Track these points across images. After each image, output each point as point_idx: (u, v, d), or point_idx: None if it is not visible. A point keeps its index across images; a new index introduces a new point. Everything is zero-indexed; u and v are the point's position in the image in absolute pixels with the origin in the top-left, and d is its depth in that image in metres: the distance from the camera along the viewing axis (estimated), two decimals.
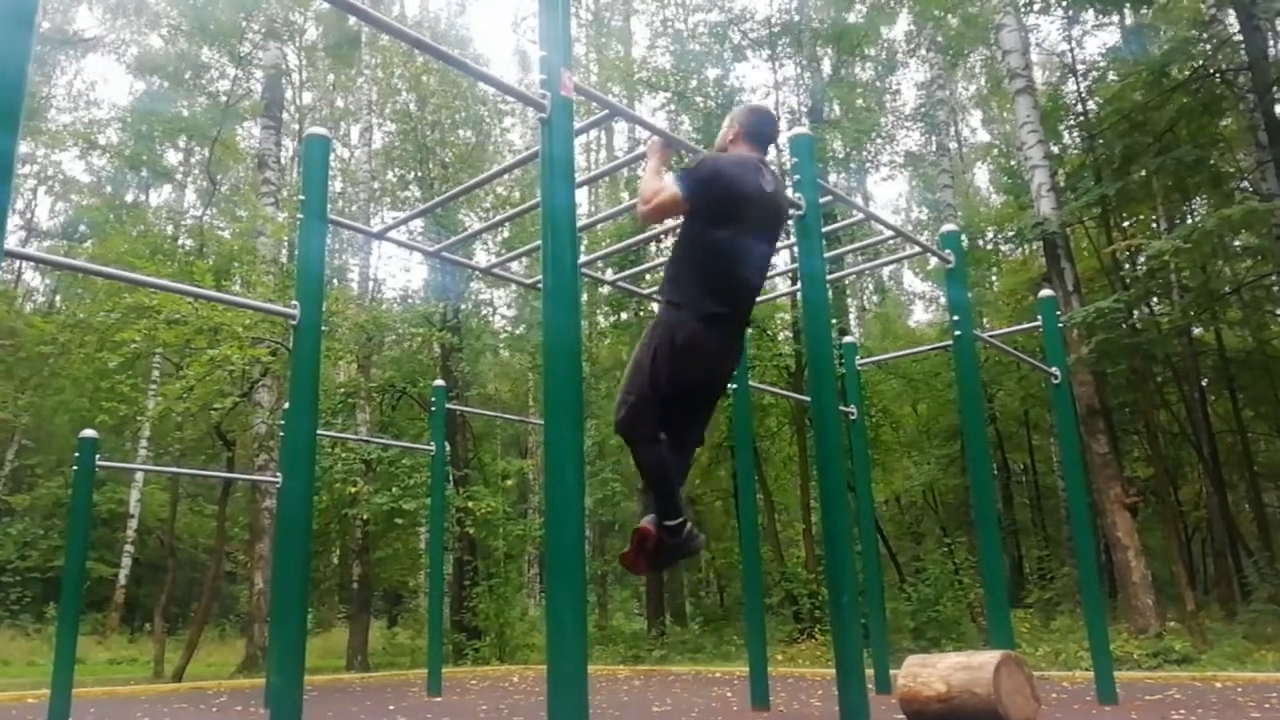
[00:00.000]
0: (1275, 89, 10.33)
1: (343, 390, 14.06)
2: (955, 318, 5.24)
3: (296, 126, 20.58)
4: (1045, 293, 6.69)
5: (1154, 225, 14.78)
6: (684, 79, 15.24)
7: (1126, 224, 14.34)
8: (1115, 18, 14.28)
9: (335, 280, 17.73)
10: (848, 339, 8.05)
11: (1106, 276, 13.30)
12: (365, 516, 12.45)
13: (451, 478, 13.03)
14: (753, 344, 12.58)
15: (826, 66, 17.05)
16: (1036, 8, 13.27)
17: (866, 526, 7.75)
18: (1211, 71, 11.27)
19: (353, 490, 12.03)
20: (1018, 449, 18.66)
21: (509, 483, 16.42)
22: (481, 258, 16.80)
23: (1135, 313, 11.91)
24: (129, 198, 23.33)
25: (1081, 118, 13.96)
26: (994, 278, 19.89)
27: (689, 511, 3.79)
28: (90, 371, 13.29)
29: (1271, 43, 12.29)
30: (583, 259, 4.17)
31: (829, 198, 4.54)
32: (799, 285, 4.35)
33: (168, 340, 10.54)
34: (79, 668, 7.59)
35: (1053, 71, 17.44)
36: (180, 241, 17.80)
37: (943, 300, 17.74)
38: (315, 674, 10.52)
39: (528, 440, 22.48)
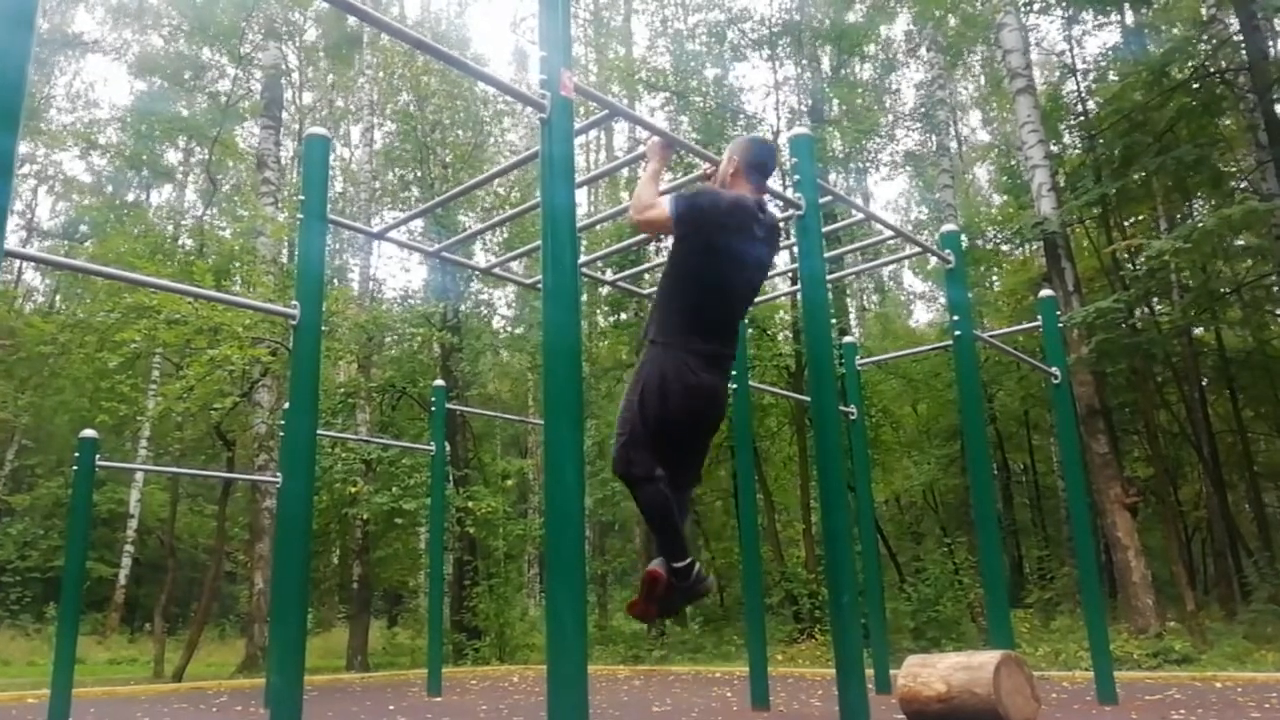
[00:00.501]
0: (1275, 89, 10.33)
1: (343, 390, 14.06)
2: (955, 318, 5.25)
3: (296, 126, 20.60)
4: (1045, 293, 6.69)
5: (1154, 225, 14.78)
6: (684, 79, 15.24)
7: (1127, 224, 14.33)
8: (1115, 18, 14.29)
9: (335, 280, 17.73)
10: (848, 339, 8.06)
11: (1106, 276, 13.30)
12: (365, 516, 12.44)
13: (451, 478, 13.02)
14: (753, 344, 12.57)
15: (826, 66, 17.05)
16: (1036, 7, 13.27)
17: (866, 526, 7.75)
18: (1211, 71, 11.27)
19: (353, 490, 12.02)
20: (1018, 449, 18.65)
21: (509, 483, 16.43)
22: (481, 258, 16.79)
23: (1135, 313, 11.90)
24: (129, 198, 23.31)
25: (1081, 118, 13.97)
26: (994, 278, 19.86)
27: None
28: (90, 371, 13.30)
29: (1271, 43, 12.30)
30: (583, 259, 4.17)
31: (829, 197, 4.54)
32: (799, 285, 4.35)
33: (168, 340, 10.53)
34: (79, 668, 7.59)
35: (1053, 71, 17.45)
36: (180, 241, 17.76)
37: (943, 300, 17.72)
38: (315, 674, 10.52)
39: (528, 440, 22.48)
